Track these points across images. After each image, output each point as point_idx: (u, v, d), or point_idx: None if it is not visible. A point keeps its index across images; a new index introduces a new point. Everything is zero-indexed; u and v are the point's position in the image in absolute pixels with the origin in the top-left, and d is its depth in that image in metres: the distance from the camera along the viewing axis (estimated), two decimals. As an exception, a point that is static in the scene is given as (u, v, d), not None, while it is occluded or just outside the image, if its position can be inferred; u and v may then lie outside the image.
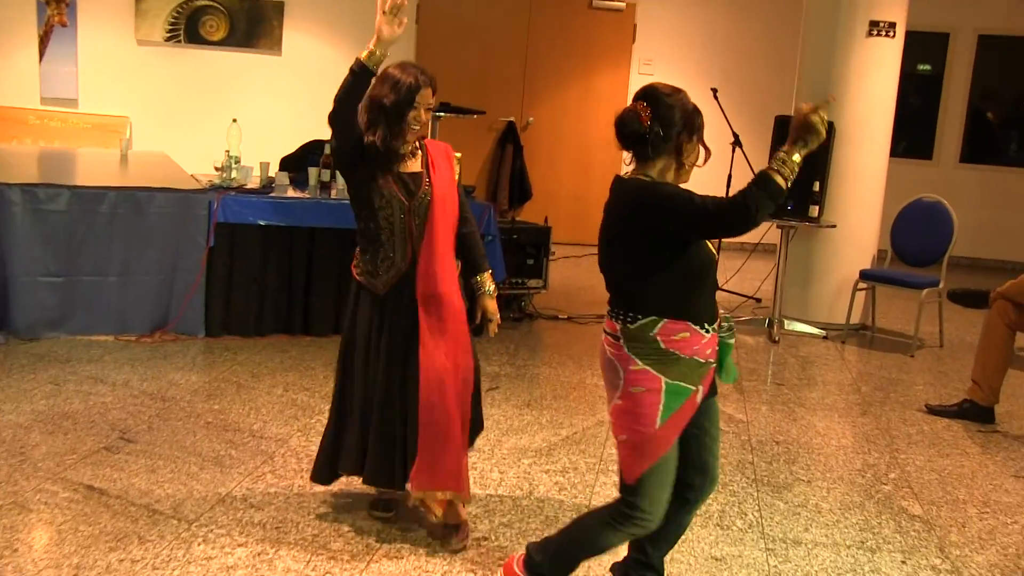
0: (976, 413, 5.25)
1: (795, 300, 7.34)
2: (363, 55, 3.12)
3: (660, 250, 2.66)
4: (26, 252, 5.34)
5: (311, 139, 6.88)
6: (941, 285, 6.75)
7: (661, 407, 2.68)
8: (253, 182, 6.12)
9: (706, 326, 2.72)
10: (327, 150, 6.36)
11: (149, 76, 9.18)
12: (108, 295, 5.55)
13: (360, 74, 3.12)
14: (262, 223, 5.71)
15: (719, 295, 2.98)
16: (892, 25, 7.11)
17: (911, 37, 7.50)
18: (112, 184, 5.67)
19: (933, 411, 5.38)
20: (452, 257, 3.34)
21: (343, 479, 3.56)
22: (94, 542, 3.23)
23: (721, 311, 2.83)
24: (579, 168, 10.41)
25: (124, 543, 3.23)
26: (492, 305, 3.44)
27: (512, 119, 10.09)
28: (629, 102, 2.78)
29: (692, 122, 2.71)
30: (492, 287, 3.44)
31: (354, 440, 3.38)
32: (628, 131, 2.71)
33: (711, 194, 2.66)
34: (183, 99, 9.25)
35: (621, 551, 3.06)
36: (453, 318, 3.27)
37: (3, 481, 3.64)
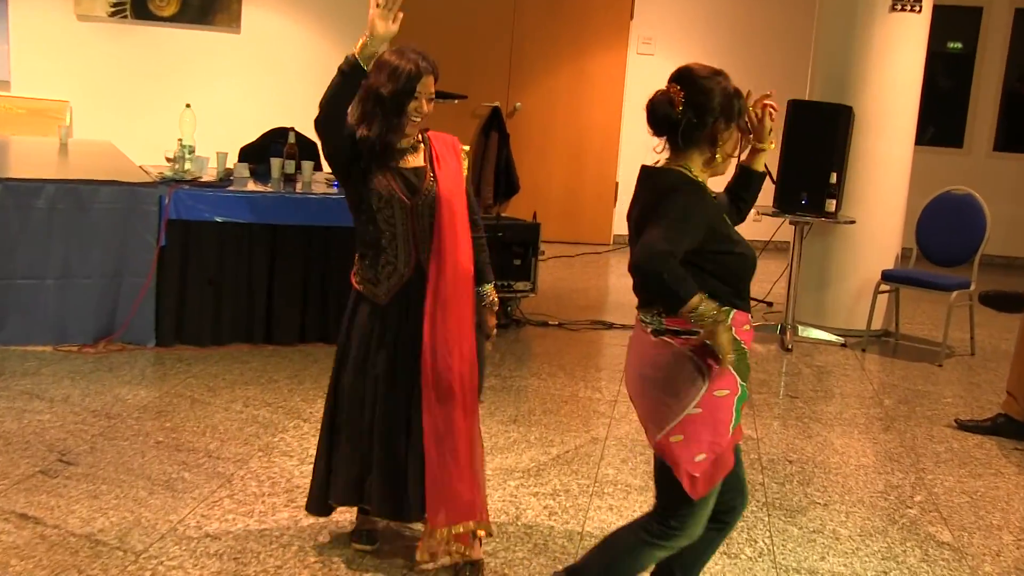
0: (1012, 429, 5.28)
1: (810, 304, 7.37)
2: (356, 51, 3.09)
3: (697, 254, 2.69)
4: (-47, 252, 5.33)
5: (274, 126, 6.88)
6: (972, 287, 6.78)
7: (734, 411, 2.74)
8: (209, 174, 6.11)
9: (751, 319, 2.81)
10: (291, 139, 6.36)
11: (91, 56, 9.14)
12: (46, 300, 5.53)
13: (350, 73, 3.09)
14: (219, 220, 5.70)
15: None
16: (918, -2, 7.16)
17: (939, 12, 7.54)
18: (50, 176, 5.65)
19: (964, 427, 5.40)
20: (468, 262, 3.30)
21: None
22: (30, 576, 3.21)
23: None
24: (571, 159, 10.43)
25: (64, 577, 3.22)
26: (492, 320, 3.48)
27: (497, 104, 10.03)
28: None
29: (731, 108, 2.73)
30: (495, 300, 3.47)
31: (346, 466, 3.36)
32: (658, 116, 2.73)
33: (718, 190, 2.69)
34: (130, 82, 9.22)
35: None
36: (463, 330, 3.27)
37: (-72, 508, 3.63)
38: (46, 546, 3.41)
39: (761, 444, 4.96)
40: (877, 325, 7.22)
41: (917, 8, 7.14)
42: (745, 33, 10.61)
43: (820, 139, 6.93)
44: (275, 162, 6.21)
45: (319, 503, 3.47)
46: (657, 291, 2.59)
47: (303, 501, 3.83)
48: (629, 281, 2.66)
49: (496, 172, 10.06)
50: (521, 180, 10.40)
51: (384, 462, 3.31)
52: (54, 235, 5.50)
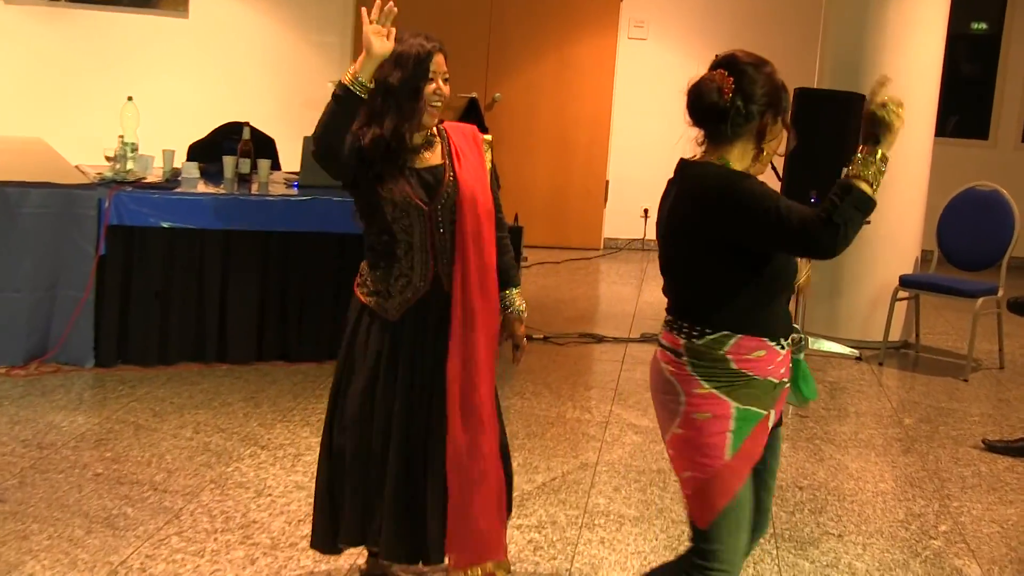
0: (1044, 450, 5.32)
1: (822, 313, 7.40)
2: (347, 76, 3.07)
3: (740, 257, 2.71)
4: None
5: (226, 121, 6.87)
6: (1000, 293, 6.82)
7: (731, 435, 2.74)
8: (154, 174, 6.09)
9: (781, 341, 2.80)
10: (246, 134, 6.35)
11: (20, 43, 9.11)
12: (-29, 317, 5.50)
13: (345, 99, 3.05)
14: (166, 225, 5.68)
15: None
16: (937, -24, 7.21)
17: (960, -9, 7.59)
18: (-25, 178, 5.63)
19: (992, 448, 5.43)
20: (493, 272, 3.29)
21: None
22: (-46, 626, 3.20)
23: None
24: (557, 155, 10.44)
25: (-9, 627, 3.21)
26: (521, 329, 3.48)
27: (474, 95, 10.10)
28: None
29: (779, 100, 2.79)
30: (523, 306, 3.47)
31: (351, 500, 3.30)
32: (705, 104, 2.76)
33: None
34: (65, 72, 9.19)
35: None
36: (491, 348, 3.28)
37: None
38: (-28, 592, 3.40)
39: (769, 469, 4.97)
40: (895, 336, 7.25)
41: (936, -14, 7.19)
42: (747, 14, 10.64)
43: (830, 131, 6.94)
44: (228, 161, 6.20)
45: (328, 538, 3.38)
46: (855, 233, 2.71)
47: (259, 537, 3.83)
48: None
49: (474, 170, 10.10)
50: (502, 179, 10.40)
51: (398, 497, 3.25)
52: (-21, 244, 5.48)
